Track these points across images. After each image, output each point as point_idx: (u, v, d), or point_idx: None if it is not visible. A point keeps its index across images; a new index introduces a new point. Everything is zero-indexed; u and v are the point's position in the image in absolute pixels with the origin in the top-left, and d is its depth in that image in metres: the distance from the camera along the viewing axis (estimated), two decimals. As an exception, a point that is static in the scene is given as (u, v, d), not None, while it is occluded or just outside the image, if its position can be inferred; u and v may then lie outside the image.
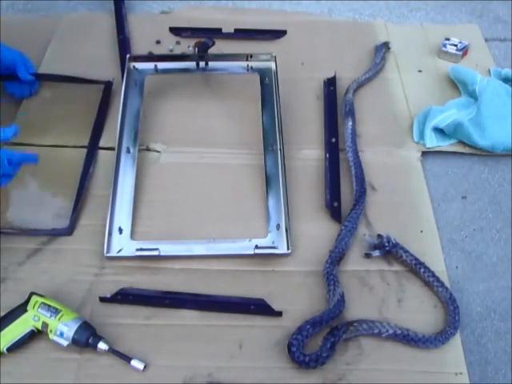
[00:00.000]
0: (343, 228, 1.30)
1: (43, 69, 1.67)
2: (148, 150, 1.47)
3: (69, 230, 1.32)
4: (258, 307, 1.19)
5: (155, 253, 1.24)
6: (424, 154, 1.49)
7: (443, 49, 1.72)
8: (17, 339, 1.14)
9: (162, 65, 1.55)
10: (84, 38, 1.78)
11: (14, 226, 1.33)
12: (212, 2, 1.93)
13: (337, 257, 1.25)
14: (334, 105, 1.56)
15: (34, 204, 1.38)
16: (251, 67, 1.55)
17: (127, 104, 1.47)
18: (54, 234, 1.32)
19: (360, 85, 1.63)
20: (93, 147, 1.47)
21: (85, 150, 1.47)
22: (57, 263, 1.28)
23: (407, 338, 1.14)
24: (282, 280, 1.25)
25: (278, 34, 1.80)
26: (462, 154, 1.50)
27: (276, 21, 1.85)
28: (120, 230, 1.29)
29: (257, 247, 1.25)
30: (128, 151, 1.41)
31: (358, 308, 1.20)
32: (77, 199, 1.36)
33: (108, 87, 1.60)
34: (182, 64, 1.56)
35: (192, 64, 1.55)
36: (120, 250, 1.27)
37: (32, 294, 1.17)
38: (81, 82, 1.61)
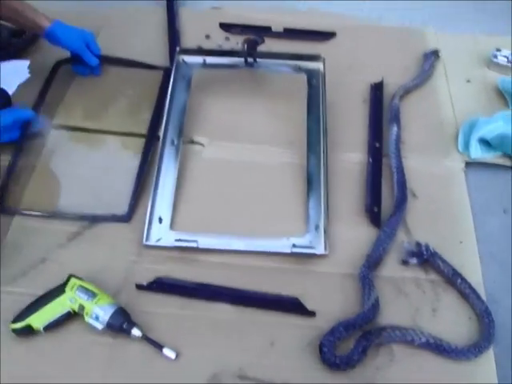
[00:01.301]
0: (382, 233, 1.30)
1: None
2: (192, 142, 1.49)
3: (127, 217, 1.34)
4: (292, 306, 1.20)
5: (194, 244, 1.26)
6: (468, 164, 1.48)
7: (494, 60, 1.71)
8: (54, 319, 1.16)
9: (210, 59, 1.56)
10: (135, 29, 1.81)
11: (66, 209, 1.36)
12: (262, 2, 1.93)
13: (373, 261, 1.25)
14: (380, 110, 1.56)
15: (92, 189, 1.41)
16: (299, 67, 1.55)
17: (174, 96, 1.49)
18: (113, 220, 1.34)
19: (407, 91, 1.62)
20: (152, 136, 1.49)
21: (143, 139, 1.50)
22: (96, 248, 1.30)
23: (440, 348, 1.13)
24: (317, 280, 1.25)
25: (326, 35, 1.80)
26: (507, 167, 1.48)
27: (325, 23, 1.85)
28: (160, 220, 1.31)
29: (294, 246, 1.26)
30: (172, 143, 1.42)
31: (391, 314, 1.20)
32: (135, 187, 1.38)
33: (167, 74, 1.60)
34: (231, 60, 1.57)
35: (240, 60, 1.56)
36: (159, 240, 1.28)
37: (71, 276, 1.20)
38: (142, 66, 1.65)
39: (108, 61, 1.66)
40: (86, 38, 1.57)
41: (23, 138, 1.47)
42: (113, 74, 1.67)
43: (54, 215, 1.35)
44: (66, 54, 1.64)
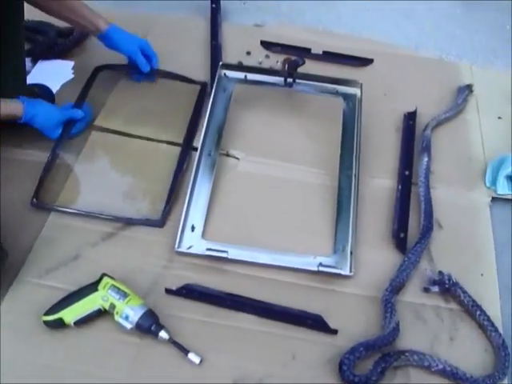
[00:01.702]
0: (406, 259, 1.33)
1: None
2: (227, 155, 1.53)
3: (161, 223, 1.38)
4: (315, 322, 1.23)
5: (224, 255, 1.30)
6: (493, 199, 1.51)
7: (526, 98, 1.74)
8: (84, 315, 1.20)
9: (251, 76, 1.61)
10: (178, 40, 1.85)
11: (100, 209, 1.40)
12: (304, 23, 1.98)
13: (397, 286, 1.28)
14: (412, 139, 1.60)
15: (126, 192, 1.46)
16: (336, 91, 1.59)
17: (214, 109, 1.54)
18: (147, 224, 1.38)
19: (439, 123, 1.65)
20: (187, 146, 1.54)
21: (178, 148, 1.54)
22: (128, 250, 1.34)
23: (455, 376, 1.16)
24: (340, 300, 1.29)
25: (364, 61, 1.84)
26: (531, 205, 1.51)
27: (363, 48, 1.89)
28: (192, 228, 1.35)
29: (321, 265, 1.30)
30: (209, 154, 1.47)
31: (410, 339, 1.23)
32: (170, 194, 1.42)
33: (203, 88, 1.67)
34: (271, 78, 1.61)
35: (280, 79, 1.60)
36: (190, 247, 1.32)
37: (104, 275, 1.24)
38: (180, 79, 1.70)
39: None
40: (141, 44, 1.62)
41: (64, 137, 1.52)
42: (153, 83, 1.72)
43: (89, 215, 1.39)
44: (111, 58, 1.70)
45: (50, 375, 1.16)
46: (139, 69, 1.63)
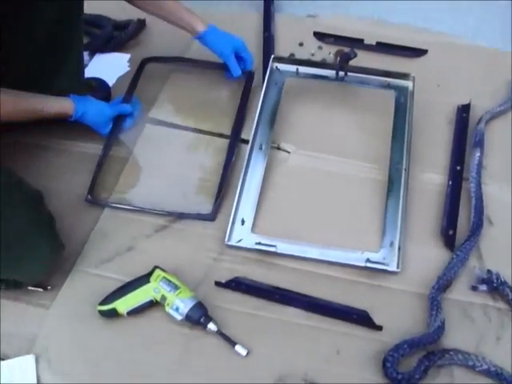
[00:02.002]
0: (455, 257, 1.33)
1: (188, 55, 1.78)
2: (278, 148, 1.55)
3: (212, 217, 1.41)
4: (361, 318, 1.25)
5: (273, 249, 1.32)
6: (547, 196, 1.48)
7: None
8: (137, 305, 1.25)
9: (303, 69, 1.61)
10: (231, 31, 1.86)
11: (153, 203, 1.44)
12: (357, 13, 1.97)
13: (444, 284, 1.28)
14: (465, 132, 1.58)
15: (177, 184, 1.50)
16: (388, 84, 1.59)
17: (266, 102, 1.55)
18: (199, 218, 1.41)
19: (493, 116, 1.63)
20: (235, 138, 1.56)
21: (226, 140, 1.57)
22: (180, 242, 1.39)
23: (500, 377, 1.16)
24: (386, 296, 1.30)
25: (418, 52, 1.82)
26: None
27: (418, 39, 1.86)
28: (242, 222, 1.38)
29: (368, 261, 1.31)
30: (260, 148, 1.49)
31: (455, 337, 1.23)
32: (220, 188, 1.45)
33: (250, 78, 1.68)
34: (322, 71, 1.61)
35: (331, 72, 1.60)
36: (240, 241, 1.35)
37: (156, 267, 1.28)
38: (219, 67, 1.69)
39: (198, 63, 1.73)
40: (236, 46, 1.62)
41: (115, 132, 1.56)
42: (204, 74, 1.73)
43: (142, 210, 1.43)
44: (166, 51, 1.75)
45: (104, 362, 1.21)
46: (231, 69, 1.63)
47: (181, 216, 1.42)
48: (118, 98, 1.62)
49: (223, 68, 1.66)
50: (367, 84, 1.60)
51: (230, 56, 1.61)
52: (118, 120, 1.57)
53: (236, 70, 1.62)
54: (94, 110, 1.49)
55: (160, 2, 1.55)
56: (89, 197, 1.44)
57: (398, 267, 1.30)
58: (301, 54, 1.76)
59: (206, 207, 1.43)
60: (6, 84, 1.35)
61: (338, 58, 1.60)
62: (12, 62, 1.41)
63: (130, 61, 1.80)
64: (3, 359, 1.23)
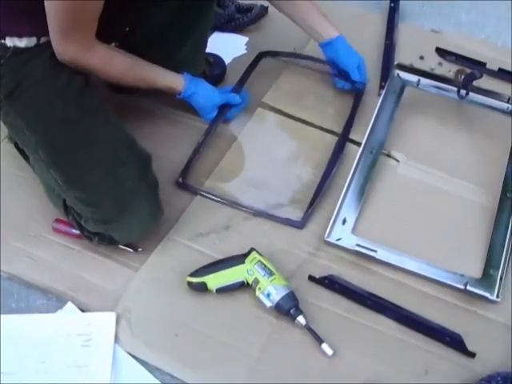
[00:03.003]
0: (560, 297, 1.27)
1: (307, 49, 1.75)
2: (389, 156, 1.51)
3: (300, 225, 1.37)
4: (454, 341, 1.20)
5: (373, 254, 1.29)
6: None
7: None
8: (227, 284, 1.24)
9: (424, 81, 1.57)
10: (351, 34, 1.81)
11: (246, 196, 1.42)
12: (482, 35, 1.92)
13: (545, 323, 1.23)
14: None
15: (274, 178, 1.48)
16: (510, 110, 1.53)
17: (383, 107, 1.53)
18: (287, 224, 1.37)
19: None
20: (344, 138, 1.53)
21: (332, 136, 1.55)
22: (278, 231, 1.37)
23: None
24: (481, 324, 1.25)
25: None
26: None
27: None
28: (344, 221, 1.35)
29: (468, 284, 1.26)
30: (371, 152, 1.46)
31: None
32: (317, 191, 1.41)
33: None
34: (444, 86, 1.57)
35: (453, 89, 1.56)
36: (339, 239, 1.32)
37: (252, 249, 1.26)
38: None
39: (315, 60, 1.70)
40: (359, 62, 1.58)
41: (218, 120, 1.55)
42: (319, 73, 1.70)
43: (231, 204, 1.40)
44: (284, 41, 1.73)
45: (183, 334, 1.20)
46: (353, 83, 1.60)
47: (269, 218, 1.38)
48: (227, 87, 1.60)
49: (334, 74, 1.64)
50: (488, 107, 1.55)
51: (355, 69, 1.57)
52: (224, 109, 1.55)
53: (360, 84, 1.59)
54: (204, 93, 1.48)
55: (296, 6, 1.52)
56: (180, 180, 1.43)
57: (497, 296, 1.26)
58: (420, 68, 1.70)
59: (298, 213, 1.39)
60: (129, 45, 1.36)
61: (463, 77, 1.57)
62: (141, 25, 1.42)
63: (247, 44, 1.79)
64: (84, 311, 1.23)
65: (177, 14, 1.41)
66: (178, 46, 1.48)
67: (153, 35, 1.45)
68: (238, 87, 1.61)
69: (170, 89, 1.43)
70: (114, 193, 1.22)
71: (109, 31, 1.27)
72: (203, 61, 1.57)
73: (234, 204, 1.40)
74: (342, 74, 1.60)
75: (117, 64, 1.32)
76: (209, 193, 1.42)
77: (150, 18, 1.42)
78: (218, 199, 1.41)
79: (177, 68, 1.44)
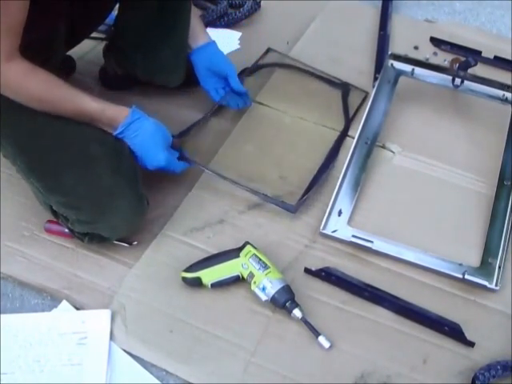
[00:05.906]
0: (558, 283, 1.26)
1: (298, 47, 1.75)
2: (383, 147, 1.50)
3: (293, 209, 1.34)
4: (452, 330, 1.19)
5: (369, 245, 1.28)
6: None
7: None
8: (222, 279, 1.22)
9: (419, 70, 1.56)
10: (344, 26, 1.83)
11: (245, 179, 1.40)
12: (477, 24, 1.91)
13: (544, 309, 1.22)
14: None
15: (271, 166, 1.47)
16: (506, 98, 1.52)
17: (377, 99, 1.52)
18: (281, 206, 1.35)
19: None
20: (344, 132, 1.53)
21: (327, 130, 1.55)
22: (273, 223, 1.35)
23: None
24: (480, 313, 1.23)
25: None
26: None
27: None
28: (339, 213, 1.34)
29: (466, 273, 1.24)
30: (366, 143, 1.45)
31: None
32: (310, 184, 1.40)
33: (346, 92, 1.63)
34: (438, 75, 1.56)
35: (447, 78, 1.55)
36: (335, 231, 1.31)
37: (247, 243, 1.25)
38: (322, 80, 1.66)
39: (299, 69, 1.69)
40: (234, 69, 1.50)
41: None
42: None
43: (232, 182, 1.37)
44: (277, 35, 1.73)
45: (179, 330, 1.19)
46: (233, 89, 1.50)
47: (264, 199, 1.36)
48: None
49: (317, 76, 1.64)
50: (483, 95, 1.54)
51: (236, 77, 1.49)
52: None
53: (239, 86, 1.49)
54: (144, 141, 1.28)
55: None
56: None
57: (496, 285, 1.24)
58: (415, 58, 1.70)
59: (298, 191, 1.39)
60: (119, 45, 1.34)
61: (457, 65, 1.56)
62: (122, 25, 1.42)
63: (240, 39, 1.78)
64: (78, 309, 1.22)
65: (154, 13, 1.39)
66: (159, 48, 1.45)
67: (133, 37, 1.45)
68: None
69: (105, 119, 1.24)
70: (92, 193, 1.21)
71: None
72: (185, 65, 1.52)
73: (234, 182, 1.36)
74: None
75: (37, 81, 1.16)
76: (204, 166, 1.39)
77: (128, 17, 1.42)
78: (223, 176, 1.36)
79: (160, 73, 1.45)
